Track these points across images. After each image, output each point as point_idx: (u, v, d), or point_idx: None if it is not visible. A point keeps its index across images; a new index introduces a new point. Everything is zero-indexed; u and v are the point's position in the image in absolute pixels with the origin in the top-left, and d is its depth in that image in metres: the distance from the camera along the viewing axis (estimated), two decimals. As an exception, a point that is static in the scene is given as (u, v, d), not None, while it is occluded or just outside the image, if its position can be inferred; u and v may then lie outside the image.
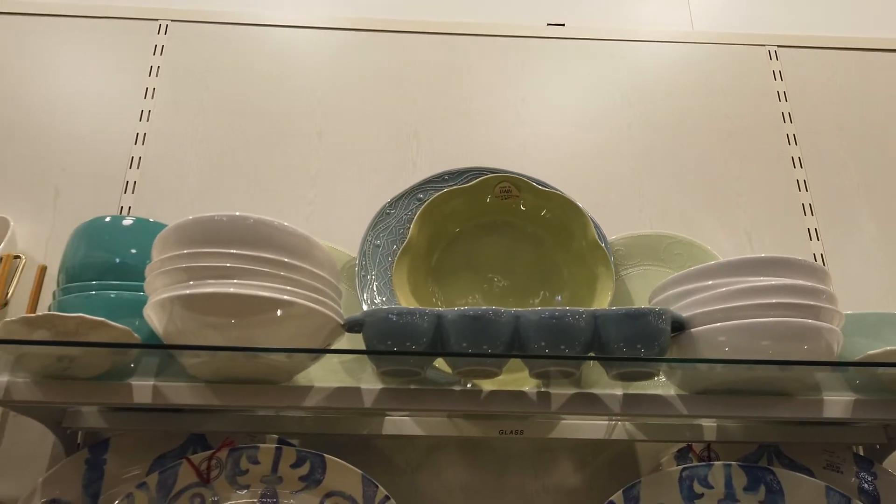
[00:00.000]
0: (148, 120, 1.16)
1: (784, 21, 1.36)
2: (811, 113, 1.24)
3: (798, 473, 0.85)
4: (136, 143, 1.15)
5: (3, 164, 1.12)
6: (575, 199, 0.92)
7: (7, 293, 0.94)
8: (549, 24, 1.29)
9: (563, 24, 1.29)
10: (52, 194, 1.10)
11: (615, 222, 1.07)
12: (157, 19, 1.24)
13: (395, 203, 0.98)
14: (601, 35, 1.28)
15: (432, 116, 1.20)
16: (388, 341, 0.70)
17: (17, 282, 0.97)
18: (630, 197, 1.15)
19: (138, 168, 1.13)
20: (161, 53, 1.21)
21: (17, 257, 1.01)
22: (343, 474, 0.83)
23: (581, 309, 0.70)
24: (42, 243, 1.07)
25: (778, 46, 1.29)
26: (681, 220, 1.13)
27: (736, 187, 1.17)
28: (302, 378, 0.78)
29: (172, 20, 1.24)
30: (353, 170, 1.15)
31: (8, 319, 0.66)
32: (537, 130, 1.20)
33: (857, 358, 0.76)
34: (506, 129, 1.20)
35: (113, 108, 1.17)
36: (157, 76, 1.19)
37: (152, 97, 1.18)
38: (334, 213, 1.12)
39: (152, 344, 0.71)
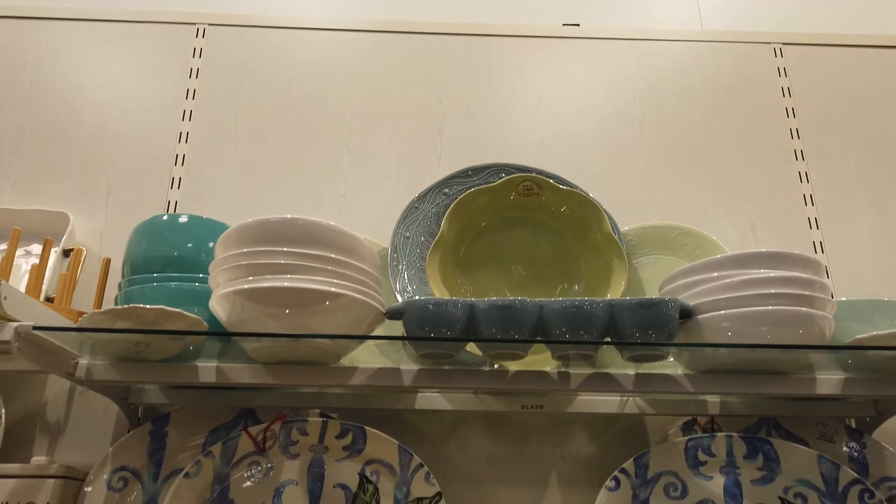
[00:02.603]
0: (190, 119, 1.24)
1: (790, 19, 1.42)
2: (814, 108, 1.30)
3: (793, 443, 0.93)
4: (179, 142, 1.23)
5: (61, 163, 1.20)
6: (591, 195, 0.99)
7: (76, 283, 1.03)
8: (564, 25, 1.35)
9: (578, 25, 1.35)
10: (104, 190, 1.19)
11: (628, 213, 1.15)
12: (194, 23, 1.31)
13: (422, 197, 1.05)
14: (614, 34, 1.34)
15: (456, 114, 1.27)
16: (425, 328, 0.78)
17: (81, 272, 1.06)
18: (642, 189, 1.22)
19: (182, 165, 1.21)
20: (200, 56, 1.28)
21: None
22: (382, 444, 0.92)
23: (598, 299, 0.78)
24: (98, 236, 1.15)
25: (783, 44, 1.34)
26: (689, 211, 1.20)
27: (741, 179, 1.24)
28: (346, 359, 0.87)
29: (210, 24, 1.31)
30: (381, 165, 1.23)
31: (94, 311, 0.74)
32: (554, 126, 1.27)
33: (847, 341, 0.83)
34: (524, 126, 1.27)
35: (157, 109, 1.25)
36: (196, 78, 1.27)
37: (193, 98, 1.26)
38: (365, 206, 1.19)
39: (225, 332, 0.79)
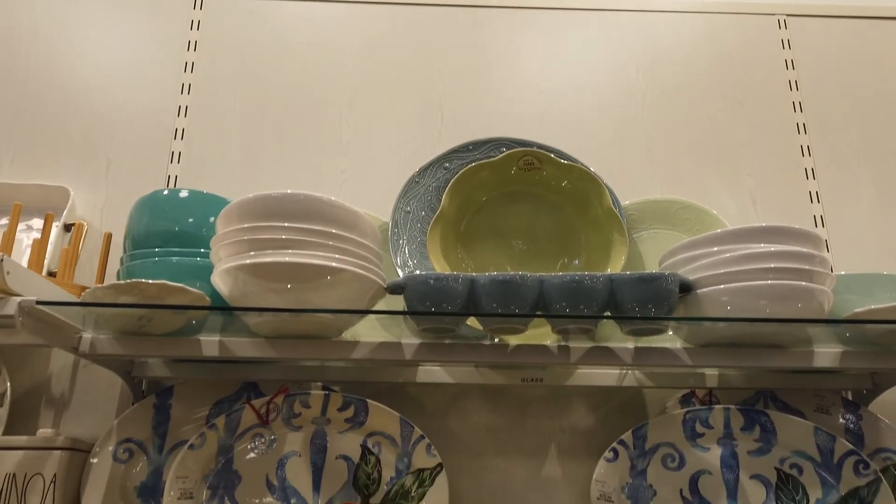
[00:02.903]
0: (189, 93, 1.23)
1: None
2: (817, 81, 1.29)
3: (789, 415, 0.94)
4: (178, 116, 1.22)
5: (60, 137, 1.20)
6: (592, 169, 0.99)
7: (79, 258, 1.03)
8: (566, -5, 1.34)
9: (581, -5, 1.33)
10: (104, 165, 1.19)
11: (629, 187, 1.15)
12: (191, -6, 1.29)
13: (423, 172, 1.05)
14: (617, 6, 1.32)
15: (456, 87, 1.26)
16: (426, 302, 0.79)
17: (82, 246, 1.06)
18: (643, 162, 1.22)
19: (182, 139, 1.21)
20: (198, 28, 1.27)
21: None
22: (383, 416, 0.93)
23: (598, 273, 0.79)
24: (98, 211, 1.15)
25: (787, 15, 1.33)
26: (690, 185, 1.20)
27: (743, 153, 1.23)
28: (347, 333, 0.88)
29: (207, -6, 1.29)
30: (381, 139, 1.22)
31: (97, 286, 0.75)
32: (555, 99, 1.26)
33: (846, 315, 0.84)
34: (525, 99, 1.26)
35: (155, 82, 1.24)
36: (195, 51, 1.26)
37: (192, 71, 1.25)
38: (365, 180, 1.19)
39: (227, 306, 0.80)
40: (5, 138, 1.19)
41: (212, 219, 0.92)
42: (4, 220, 1.11)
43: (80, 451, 0.93)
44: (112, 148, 1.20)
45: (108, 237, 1.04)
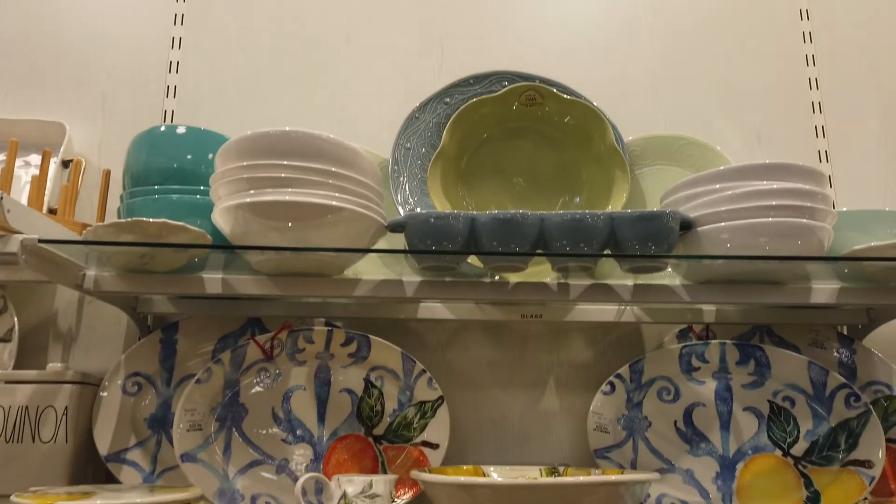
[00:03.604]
0: (182, 24, 1.20)
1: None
2: (828, 9, 1.25)
3: (784, 350, 0.96)
4: (172, 48, 1.19)
5: (53, 71, 1.17)
6: (595, 105, 0.97)
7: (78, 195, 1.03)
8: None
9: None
10: (99, 99, 1.17)
11: (633, 122, 1.13)
12: (184, -80, 1.24)
13: (423, 107, 1.03)
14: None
15: (456, 20, 1.22)
16: (427, 241, 0.79)
17: (81, 183, 1.06)
18: (647, 98, 1.19)
19: (177, 73, 1.18)
20: (190, -45, 1.23)
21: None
22: (385, 351, 0.95)
23: (599, 212, 0.78)
24: (95, 147, 1.14)
25: (799, -57, 1.28)
26: (695, 120, 1.18)
27: (750, 87, 1.21)
28: (349, 271, 0.88)
29: (199, -80, 1.24)
30: (381, 75, 1.19)
31: (98, 224, 0.75)
32: (558, 35, 1.22)
33: (845, 252, 0.84)
34: (528, 34, 1.22)
35: (147, 12, 1.20)
36: (187, -21, 1.22)
37: (184, 0, 1.21)
38: (364, 116, 1.17)
39: (229, 245, 0.80)
40: (-2, 73, 1.17)
41: (210, 155, 0.92)
42: (1, 156, 1.10)
43: (89, 385, 0.95)
44: (107, 82, 1.17)
45: (107, 174, 1.03)
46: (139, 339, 1.01)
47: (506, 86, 1.01)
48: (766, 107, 1.20)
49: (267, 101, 1.17)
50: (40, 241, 0.76)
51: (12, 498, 0.70)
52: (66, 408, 0.91)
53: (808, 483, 0.91)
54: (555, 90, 0.96)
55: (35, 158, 1.10)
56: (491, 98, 0.96)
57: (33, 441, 0.89)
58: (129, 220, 0.73)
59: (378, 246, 0.86)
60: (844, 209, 0.91)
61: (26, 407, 0.90)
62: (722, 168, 0.83)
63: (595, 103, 0.98)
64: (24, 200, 1.04)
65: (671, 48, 1.22)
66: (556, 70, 1.07)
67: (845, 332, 1.04)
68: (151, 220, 0.74)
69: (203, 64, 1.19)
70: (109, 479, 0.94)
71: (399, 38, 1.21)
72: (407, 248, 0.81)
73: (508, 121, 0.99)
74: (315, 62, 1.20)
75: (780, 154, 1.17)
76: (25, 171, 1.09)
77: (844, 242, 0.88)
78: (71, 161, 1.05)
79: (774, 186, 0.80)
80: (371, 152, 1.06)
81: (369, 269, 0.93)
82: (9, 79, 1.17)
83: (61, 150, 1.08)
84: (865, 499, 0.88)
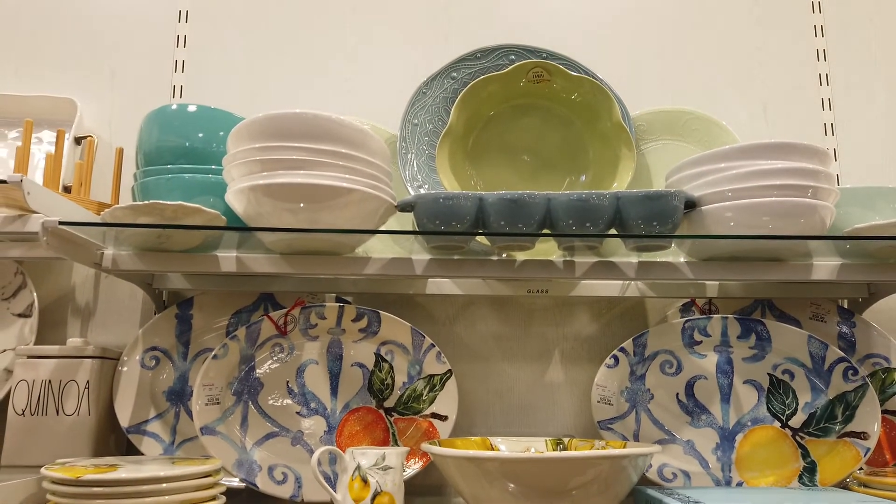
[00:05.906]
0: (188, -3, 1.20)
1: None
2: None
3: (785, 324, 0.98)
4: (179, 21, 1.19)
5: (61, 47, 1.18)
6: (602, 79, 0.97)
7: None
8: None
9: None
10: (108, 75, 1.17)
11: (638, 95, 1.13)
12: None
13: (429, 83, 1.03)
14: None
15: (463, -10, 1.22)
16: (436, 221, 0.80)
17: (93, 161, 1.07)
18: (652, 70, 1.19)
19: (185, 47, 1.18)
20: (194, -73, 1.22)
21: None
22: (395, 326, 0.98)
23: (605, 192, 0.80)
24: (106, 124, 1.15)
25: None
26: (700, 92, 1.18)
27: (756, 58, 1.20)
28: (360, 249, 0.90)
29: None
30: (387, 45, 1.19)
31: (116, 206, 0.77)
32: (564, 5, 1.22)
33: (846, 230, 0.85)
34: (535, 4, 1.22)
35: (154, -13, 1.20)
36: (192, -48, 1.21)
37: (190, -26, 1.21)
38: (372, 87, 1.18)
39: (243, 227, 0.82)
40: (7, 50, 1.17)
41: (221, 133, 0.93)
42: (13, 133, 1.12)
43: (109, 359, 0.98)
44: (115, 58, 1.18)
45: (120, 152, 1.04)
46: (155, 314, 1.04)
47: (513, 60, 1.01)
48: (773, 77, 1.19)
49: (274, 73, 1.18)
50: (61, 223, 0.78)
51: (42, 470, 0.73)
52: (87, 381, 0.94)
53: (805, 453, 0.94)
54: (562, 67, 0.97)
55: (47, 135, 1.11)
56: (498, 75, 0.97)
57: (57, 414, 0.93)
58: (146, 202, 0.75)
59: (389, 222, 0.88)
60: (848, 185, 0.91)
61: (49, 381, 0.93)
62: (726, 147, 0.84)
63: (601, 75, 0.98)
64: (38, 178, 1.06)
65: (677, 17, 1.21)
66: (562, 41, 1.07)
67: (846, 306, 1.06)
68: (168, 202, 0.75)
69: (210, 37, 1.19)
70: (130, 449, 0.98)
71: (404, 5, 1.21)
72: (416, 229, 0.82)
73: (516, 98, 1.00)
74: (321, 33, 1.19)
75: (785, 127, 1.17)
76: (38, 147, 1.11)
77: (848, 219, 0.89)
78: (83, 138, 1.07)
79: (778, 166, 0.81)
80: (378, 127, 1.07)
81: (379, 247, 0.95)
82: (17, 55, 1.17)
83: (73, 126, 1.09)
84: (861, 469, 0.91)
